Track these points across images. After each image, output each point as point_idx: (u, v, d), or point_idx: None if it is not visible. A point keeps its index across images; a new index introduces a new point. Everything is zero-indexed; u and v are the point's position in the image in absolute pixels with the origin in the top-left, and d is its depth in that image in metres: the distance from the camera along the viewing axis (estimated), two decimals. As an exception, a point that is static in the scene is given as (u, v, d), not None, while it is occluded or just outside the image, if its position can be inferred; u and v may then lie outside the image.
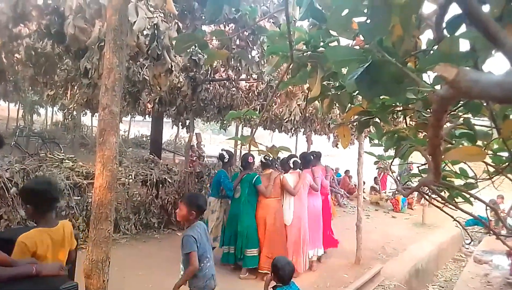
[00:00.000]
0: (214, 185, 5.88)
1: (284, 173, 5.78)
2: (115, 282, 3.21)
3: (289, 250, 5.51)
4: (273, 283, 3.38)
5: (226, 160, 5.97)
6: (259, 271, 5.43)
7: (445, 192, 1.53)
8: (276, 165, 6.74)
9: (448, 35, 0.97)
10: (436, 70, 0.52)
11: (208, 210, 5.63)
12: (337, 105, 1.60)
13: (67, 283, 2.25)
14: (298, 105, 7.93)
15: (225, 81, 8.39)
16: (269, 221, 5.50)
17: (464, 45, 0.95)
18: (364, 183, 9.42)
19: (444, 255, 9.08)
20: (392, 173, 1.81)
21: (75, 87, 9.06)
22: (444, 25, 0.98)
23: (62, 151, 9.36)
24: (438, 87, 0.96)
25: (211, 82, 8.29)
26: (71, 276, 2.74)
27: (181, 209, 3.19)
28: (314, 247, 6.05)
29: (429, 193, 1.76)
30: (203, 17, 4.98)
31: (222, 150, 6.14)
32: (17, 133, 12.93)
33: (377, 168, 15.03)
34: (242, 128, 17.25)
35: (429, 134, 0.78)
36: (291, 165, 5.77)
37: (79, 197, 5.95)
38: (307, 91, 6.46)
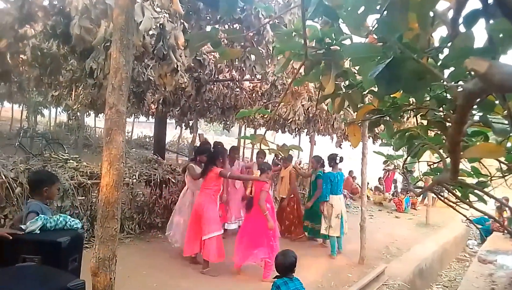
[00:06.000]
0: (336, 185, 6.91)
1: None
2: (120, 281, 3.21)
3: None
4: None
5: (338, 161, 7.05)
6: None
7: (457, 191, 1.51)
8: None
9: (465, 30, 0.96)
10: (466, 64, 0.52)
11: (341, 208, 6.92)
12: (347, 104, 1.60)
13: (74, 281, 2.25)
14: (302, 105, 7.91)
15: (229, 82, 8.38)
16: None
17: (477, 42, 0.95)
18: (368, 183, 9.59)
19: (448, 255, 9.04)
20: (404, 172, 1.79)
21: (80, 88, 9.07)
22: (460, 20, 0.97)
23: (66, 152, 9.37)
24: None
25: (215, 83, 8.29)
26: (78, 273, 2.77)
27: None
28: None
29: (440, 192, 1.75)
30: (208, 17, 4.98)
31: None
32: (21, 134, 12.99)
33: (383, 169, 14.87)
34: (245, 129, 17.22)
35: (451, 130, 0.77)
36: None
37: (83, 197, 5.94)
38: (312, 91, 6.46)
